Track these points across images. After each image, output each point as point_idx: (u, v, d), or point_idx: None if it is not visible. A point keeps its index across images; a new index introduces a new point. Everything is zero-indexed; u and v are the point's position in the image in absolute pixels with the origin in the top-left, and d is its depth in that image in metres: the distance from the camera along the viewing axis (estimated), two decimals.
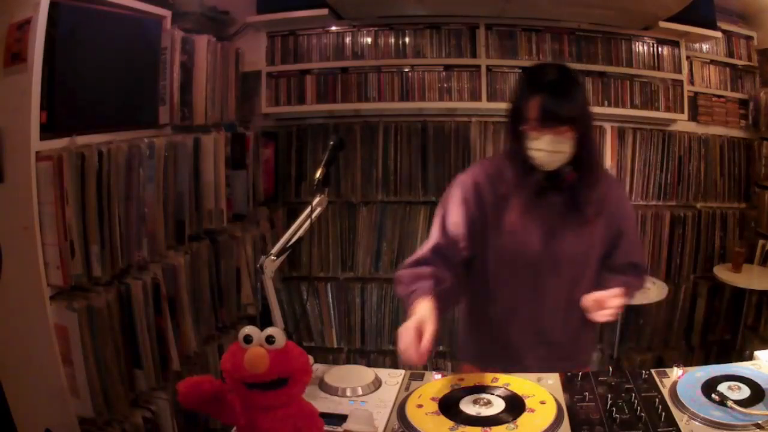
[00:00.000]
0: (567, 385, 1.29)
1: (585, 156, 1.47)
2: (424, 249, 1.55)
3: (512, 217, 1.48)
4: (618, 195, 1.60)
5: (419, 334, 1.26)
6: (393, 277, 1.58)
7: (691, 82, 3.20)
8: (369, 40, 3.13)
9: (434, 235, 1.55)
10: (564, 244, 1.50)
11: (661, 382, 1.27)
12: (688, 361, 3.16)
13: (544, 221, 1.49)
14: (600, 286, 1.49)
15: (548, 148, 1.42)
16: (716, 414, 1.11)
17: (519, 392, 1.25)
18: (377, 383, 1.36)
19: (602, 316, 1.39)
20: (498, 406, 1.21)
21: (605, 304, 1.38)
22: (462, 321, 1.72)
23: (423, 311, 1.33)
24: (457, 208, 1.53)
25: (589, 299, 1.40)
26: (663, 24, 2.99)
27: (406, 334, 1.26)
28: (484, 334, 1.63)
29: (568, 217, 1.49)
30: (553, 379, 1.32)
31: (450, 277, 1.49)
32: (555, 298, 1.53)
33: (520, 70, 3.06)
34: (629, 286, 1.50)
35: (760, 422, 1.07)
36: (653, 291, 2.84)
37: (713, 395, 1.15)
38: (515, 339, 1.56)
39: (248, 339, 0.99)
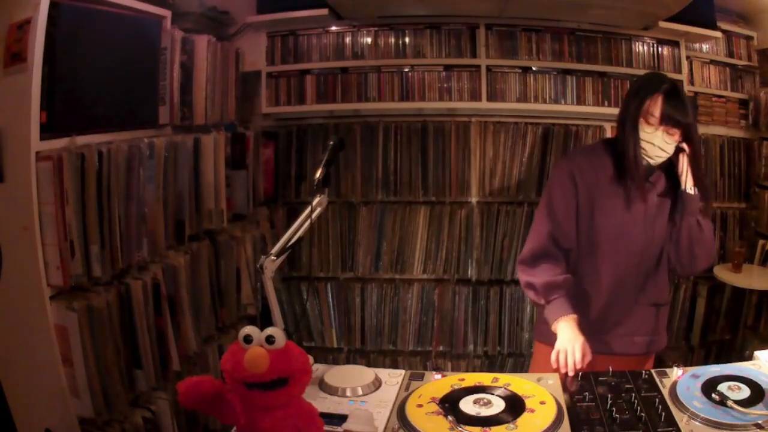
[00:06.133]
0: (567, 385, 1.29)
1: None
2: (538, 237, 1.68)
3: (615, 201, 1.63)
4: None
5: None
6: (521, 277, 1.71)
7: (691, 82, 3.19)
8: (369, 40, 3.13)
9: (543, 221, 1.69)
10: (657, 230, 1.64)
11: (661, 382, 1.27)
12: (688, 361, 3.17)
13: (642, 208, 1.63)
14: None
15: (657, 143, 1.56)
16: (716, 414, 1.11)
17: (519, 392, 1.25)
18: (377, 383, 1.36)
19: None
20: (498, 406, 1.21)
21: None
22: None
23: (576, 337, 1.53)
24: (562, 194, 1.67)
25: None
26: (663, 24, 2.99)
27: (577, 350, 1.48)
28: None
29: (659, 207, 1.64)
30: (553, 379, 1.32)
31: (564, 265, 1.66)
32: (642, 278, 1.67)
33: (520, 70, 3.07)
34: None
35: (760, 422, 1.07)
36: None
37: (713, 395, 1.16)
38: (606, 315, 1.68)
39: (248, 339, 0.99)
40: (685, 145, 1.59)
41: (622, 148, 1.63)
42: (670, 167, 1.64)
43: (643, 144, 1.58)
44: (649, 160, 1.60)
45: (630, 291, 1.67)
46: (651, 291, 1.69)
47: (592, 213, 1.65)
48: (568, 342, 1.50)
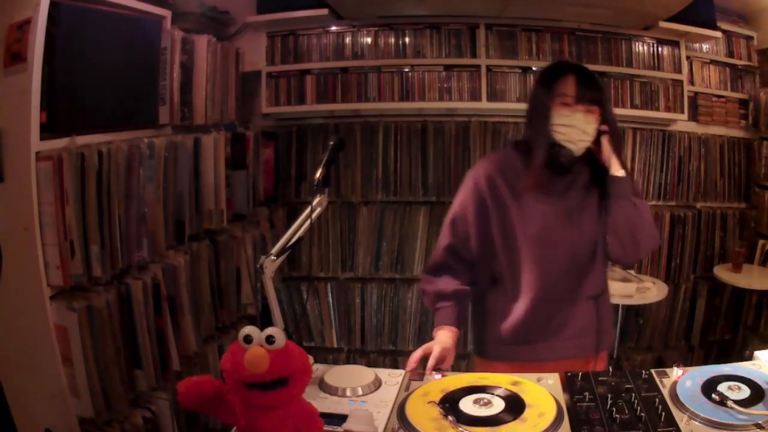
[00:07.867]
0: (567, 385, 1.29)
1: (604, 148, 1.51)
2: (439, 251, 1.62)
3: (532, 206, 1.53)
4: None
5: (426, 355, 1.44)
6: (419, 286, 1.70)
7: (691, 82, 3.20)
8: (369, 40, 3.13)
9: (445, 234, 1.62)
10: (585, 225, 1.54)
11: (661, 382, 1.27)
12: (688, 361, 3.16)
13: (563, 205, 1.54)
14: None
15: (579, 125, 1.46)
16: (716, 414, 1.11)
17: (519, 392, 1.25)
18: (377, 383, 1.35)
19: None
20: (498, 406, 1.20)
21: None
22: (481, 315, 1.69)
23: (443, 342, 1.49)
24: (467, 205, 1.58)
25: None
26: (663, 24, 2.99)
27: (415, 354, 1.45)
28: (508, 325, 1.60)
29: (582, 201, 1.54)
30: (553, 379, 1.32)
31: (466, 277, 1.60)
32: (575, 277, 1.56)
33: (520, 70, 3.07)
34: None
35: (760, 422, 1.07)
36: (653, 291, 2.84)
37: (713, 395, 1.15)
38: (541, 324, 1.57)
39: (248, 339, 0.99)
40: (605, 127, 1.49)
41: (533, 142, 1.52)
42: (589, 157, 1.53)
43: (564, 129, 1.47)
44: (571, 146, 1.48)
45: (563, 293, 1.56)
46: (586, 285, 1.57)
47: (506, 222, 1.55)
48: (428, 344, 1.47)
